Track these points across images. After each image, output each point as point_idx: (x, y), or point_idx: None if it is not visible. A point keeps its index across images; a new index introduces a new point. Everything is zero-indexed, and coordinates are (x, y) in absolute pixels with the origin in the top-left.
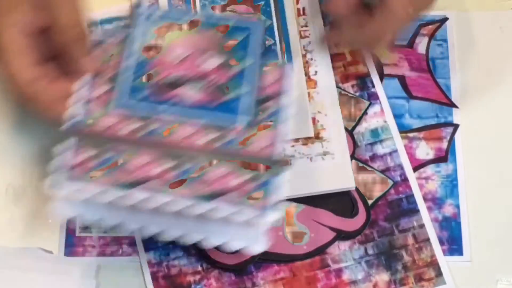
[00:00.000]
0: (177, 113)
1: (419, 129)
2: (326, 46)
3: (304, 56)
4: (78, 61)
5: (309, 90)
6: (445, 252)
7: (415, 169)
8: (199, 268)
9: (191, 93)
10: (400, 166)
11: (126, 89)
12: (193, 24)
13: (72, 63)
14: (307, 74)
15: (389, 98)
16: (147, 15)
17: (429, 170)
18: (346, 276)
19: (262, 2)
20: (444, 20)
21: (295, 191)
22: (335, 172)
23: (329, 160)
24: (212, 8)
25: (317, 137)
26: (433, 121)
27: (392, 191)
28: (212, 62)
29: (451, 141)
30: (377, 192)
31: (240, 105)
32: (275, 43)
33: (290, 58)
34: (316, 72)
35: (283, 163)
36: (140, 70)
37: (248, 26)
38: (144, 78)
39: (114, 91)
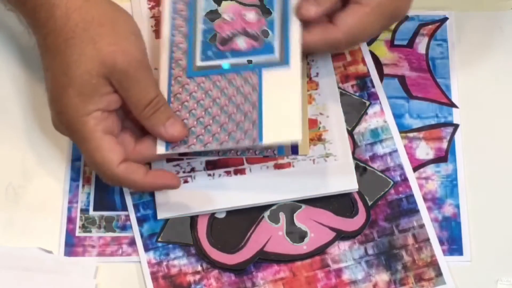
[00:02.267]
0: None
1: (419, 129)
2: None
3: (305, 58)
4: (160, 131)
5: (311, 91)
6: (445, 252)
7: (415, 169)
8: (199, 268)
9: (241, 42)
10: (400, 166)
11: (201, 48)
12: None
13: (152, 132)
14: (308, 75)
15: (389, 98)
16: None
17: (429, 170)
18: (346, 276)
19: None
20: (444, 20)
21: (298, 193)
22: (338, 174)
23: (331, 161)
24: None
25: (320, 139)
26: (433, 121)
27: (392, 191)
28: (252, 15)
29: (451, 141)
30: (377, 192)
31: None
32: (273, 37)
33: (287, 56)
34: (317, 73)
35: None
36: (209, 32)
37: None
38: (210, 39)
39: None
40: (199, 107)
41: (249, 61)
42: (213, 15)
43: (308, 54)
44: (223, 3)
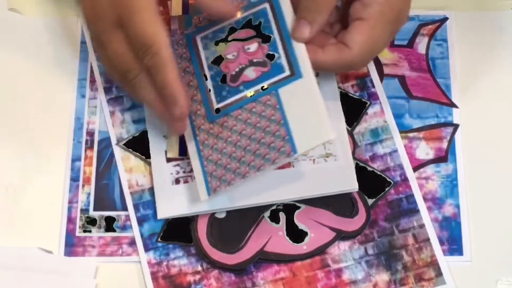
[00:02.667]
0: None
1: (419, 129)
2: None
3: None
4: None
5: None
6: (445, 252)
7: (415, 169)
8: (199, 268)
9: (250, 73)
10: (400, 166)
11: (214, 92)
12: (231, 30)
13: None
14: None
15: (389, 98)
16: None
17: (429, 170)
18: (346, 276)
19: (262, 20)
20: (444, 20)
21: (298, 193)
22: (338, 174)
23: (331, 161)
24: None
25: None
26: (433, 121)
27: (392, 191)
28: (253, 46)
29: (451, 141)
30: (377, 192)
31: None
32: (280, 57)
33: (298, 69)
34: (317, 73)
35: None
36: (218, 75)
37: (263, 9)
38: (220, 81)
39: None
40: (229, 145)
41: (263, 88)
42: (217, 59)
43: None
44: (221, 45)
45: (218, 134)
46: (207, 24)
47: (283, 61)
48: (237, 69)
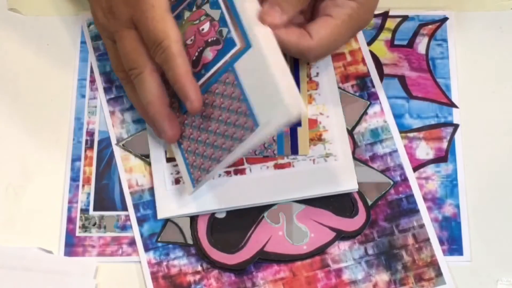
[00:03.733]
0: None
1: (419, 129)
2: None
3: None
4: None
5: (311, 91)
6: (445, 252)
7: (415, 169)
8: (199, 268)
9: (208, 54)
10: (400, 166)
11: None
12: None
13: None
14: (308, 75)
15: (389, 98)
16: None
17: (429, 170)
18: (346, 276)
19: None
20: (444, 20)
21: (298, 193)
22: (338, 174)
23: (331, 161)
24: None
25: (320, 138)
26: (433, 121)
27: (392, 191)
28: (206, 26)
29: (451, 141)
30: (377, 192)
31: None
32: (229, 31)
33: (247, 38)
34: (317, 73)
35: None
36: None
37: None
38: None
39: None
40: (202, 132)
41: (221, 66)
42: None
43: None
44: (182, 32)
45: (192, 124)
46: (174, 3)
47: (233, 34)
48: (196, 54)
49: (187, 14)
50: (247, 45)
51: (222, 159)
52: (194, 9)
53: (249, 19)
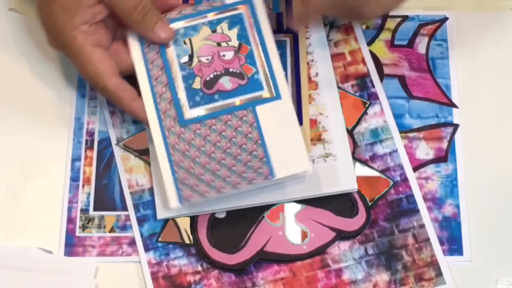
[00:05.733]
0: (224, 98)
1: (419, 129)
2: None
3: (305, 58)
4: (149, 34)
5: (310, 91)
6: (445, 252)
7: (415, 169)
8: (199, 268)
9: (226, 82)
10: (400, 166)
11: (186, 95)
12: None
13: (144, 37)
14: (308, 76)
15: (389, 98)
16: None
17: (429, 170)
18: (346, 276)
19: (238, 27)
20: (444, 20)
21: (298, 193)
22: (338, 174)
23: (331, 161)
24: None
25: (319, 138)
26: (433, 121)
27: (392, 191)
28: (229, 54)
29: (451, 141)
30: (377, 192)
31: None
32: (257, 72)
33: (277, 89)
34: (317, 73)
35: None
36: (191, 78)
37: (239, 14)
38: (194, 84)
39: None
40: (202, 154)
41: (241, 101)
42: (189, 59)
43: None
44: (194, 43)
45: (190, 141)
46: (178, 16)
47: (261, 78)
48: (211, 75)
49: (207, 31)
50: (276, 96)
51: (223, 191)
52: (219, 31)
53: (279, 73)
